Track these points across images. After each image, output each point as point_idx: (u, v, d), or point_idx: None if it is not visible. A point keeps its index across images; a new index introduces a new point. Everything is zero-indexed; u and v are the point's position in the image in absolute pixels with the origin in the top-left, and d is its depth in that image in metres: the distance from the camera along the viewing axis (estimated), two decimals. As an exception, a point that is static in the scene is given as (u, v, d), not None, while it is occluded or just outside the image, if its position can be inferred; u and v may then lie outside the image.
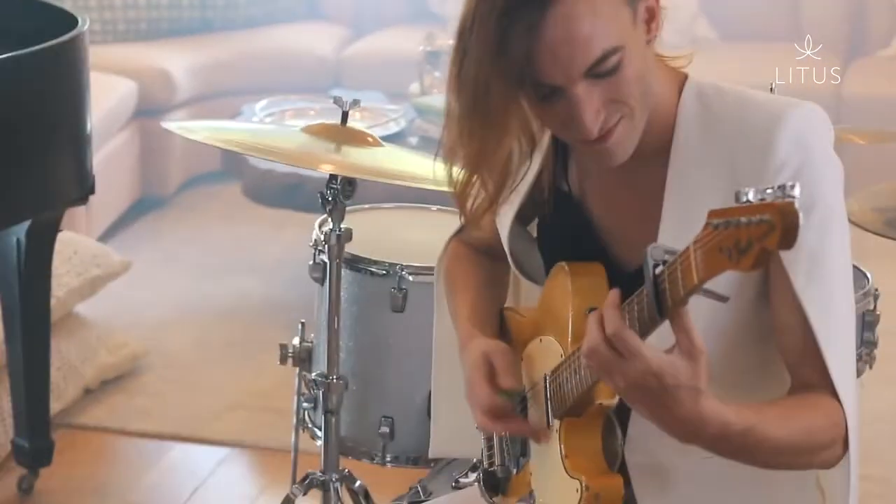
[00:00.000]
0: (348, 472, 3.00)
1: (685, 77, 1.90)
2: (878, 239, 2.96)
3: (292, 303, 4.60)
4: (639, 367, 1.61)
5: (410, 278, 2.89)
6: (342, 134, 2.85)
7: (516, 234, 2.06)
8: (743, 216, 1.44)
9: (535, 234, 2.09)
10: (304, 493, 3.00)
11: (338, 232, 2.85)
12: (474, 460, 2.52)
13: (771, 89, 2.63)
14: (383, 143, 2.91)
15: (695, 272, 1.51)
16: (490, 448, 2.13)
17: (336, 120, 2.87)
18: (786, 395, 1.84)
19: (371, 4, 6.83)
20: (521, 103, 1.80)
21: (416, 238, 3.13)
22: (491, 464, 2.12)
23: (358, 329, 2.99)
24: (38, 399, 3.63)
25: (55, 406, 3.93)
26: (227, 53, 6.24)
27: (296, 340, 3.04)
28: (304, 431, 3.09)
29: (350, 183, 2.80)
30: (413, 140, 4.86)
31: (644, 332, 1.63)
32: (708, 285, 1.53)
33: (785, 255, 1.76)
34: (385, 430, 2.97)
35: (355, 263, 2.96)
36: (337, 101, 2.85)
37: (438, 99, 4.64)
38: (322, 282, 2.94)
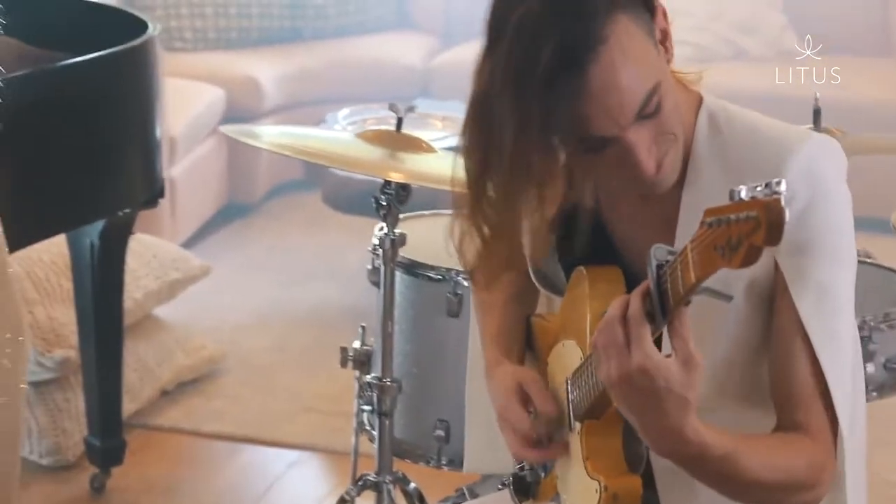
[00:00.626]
0: (402, 474, 3.03)
1: (700, 97, 1.91)
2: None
3: (369, 309, 4.63)
4: (636, 358, 1.61)
5: (466, 283, 2.91)
6: (397, 140, 2.88)
7: (543, 247, 2.07)
8: (733, 214, 1.45)
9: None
10: (359, 495, 3.04)
11: (392, 237, 2.88)
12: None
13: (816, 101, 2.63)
14: (438, 150, 2.94)
15: (692, 270, 1.53)
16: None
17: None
18: (770, 433, 1.84)
19: (461, 14, 6.85)
20: (558, 163, 1.81)
21: (473, 243, 3.15)
22: (521, 468, 2.14)
23: (414, 333, 3.03)
24: (111, 399, 3.70)
25: (130, 407, 4.01)
26: (315, 62, 6.30)
27: (356, 344, 3.08)
28: (363, 434, 3.13)
29: (404, 188, 2.84)
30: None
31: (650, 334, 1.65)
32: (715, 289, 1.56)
33: (793, 284, 1.79)
34: (440, 433, 3.00)
35: (412, 268, 3.01)
36: (392, 107, 2.88)
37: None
38: (379, 286, 2.98)
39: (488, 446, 2.23)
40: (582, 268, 1.94)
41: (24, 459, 3.82)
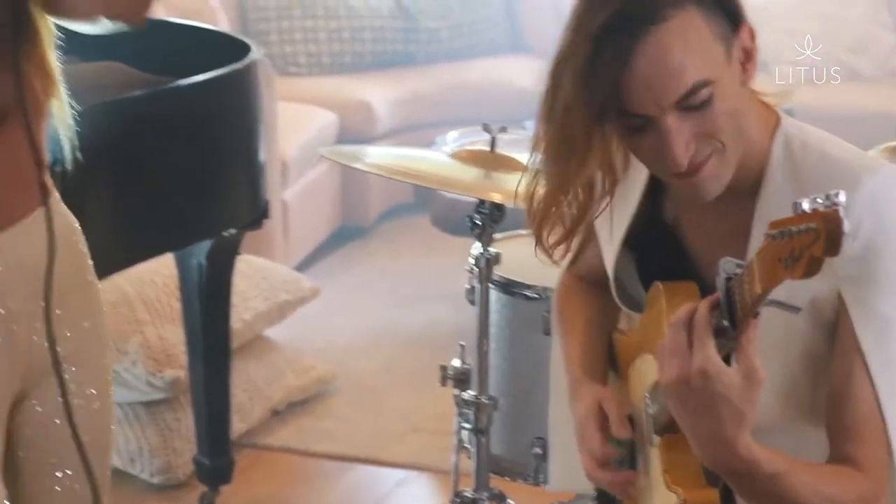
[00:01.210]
0: (499, 491, 3.05)
1: (778, 118, 1.91)
2: None
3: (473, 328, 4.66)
4: (697, 361, 1.63)
5: (562, 302, 2.92)
6: (492, 160, 2.91)
7: (623, 261, 2.08)
8: (795, 226, 1.46)
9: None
10: (455, 511, 3.06)
11: (487, 256, 2.91)
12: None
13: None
14: (532, 169, 2.95)
15: (758, 282, 1.54)
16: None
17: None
18: (824, 462, 1.83)
19: (574, 37, 6.87)
20: (603, 134, 1.83)
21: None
22: (603, 487, 2.15)
23: (511, 351, 3.05)
24: (219, 418, 3.75)
25: (240, 426, 4.07)
26: (428, 86, 6.35)
27: (456, 362, 3.11)
28: (463, 452, 3.15)
29: (498, 208, 2.86)
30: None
31: (719, 348, 1.65)
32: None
33: (855, 314, 1.78)
34: (538, 450, 3.02)
35: (508, 287, 3.03)
36: (486, 128, 2.91)
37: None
38: (475, 304, 3.00)
39: (572, 465, 2.24)
40: (659, 283, 1.95)
41: (135, 478, 3.91)
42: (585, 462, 2.05)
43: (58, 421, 2.20)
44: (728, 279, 1.62)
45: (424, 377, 4.57)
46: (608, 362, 2.17)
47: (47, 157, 2.20)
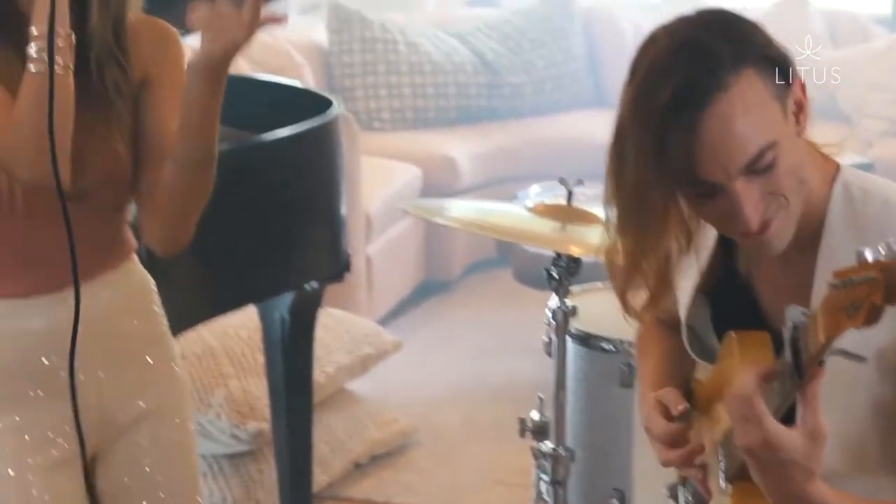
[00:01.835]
0: (577, 542, 3.06)
1: (836, 167, 1.92)
2: None
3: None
4: (757, 434, 1.66)
5: (640, 355, 2.94)
6: (569, 214, 2.93)
7: (698, 309, 2.09)
8: (856, 275, 1.48)
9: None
10: (534, 563, 3.07)
11: (563, 309, 2.93)
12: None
13: None
14: (608, 222, 2.98)
15: (821, 331, 1.56)
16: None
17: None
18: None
19: (657, 92, 6.88)
20: (678, 203, 1.85)
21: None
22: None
23: (588, 403, 3.06)
24: (301, 470, 3.77)
25: (322, 479, 4.10)
26: (511, 140, 6.39)
27: (534, 414, 3.12)
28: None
29: (574, 261, 2.89)
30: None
31: (785, 396, 1.67)
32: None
33: None
34: (615, 502, 3.03)
35: (586, 340, 3.04)
36: (562, 181, 2.94)
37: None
38: (552, 357, 3.02)
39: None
40: (732, 333, 1.96)
41: (218, 529, 3.95)
42: (657, 449, 2.07)
43: (136, 479, 2.26)
44: (794, 328, 1.64)
45: (504, 430, 4.57)
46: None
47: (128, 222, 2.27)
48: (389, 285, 5.61)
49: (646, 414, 2.11)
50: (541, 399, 3.14)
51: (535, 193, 5.20)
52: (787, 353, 1.65)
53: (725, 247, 2.03)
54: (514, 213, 3.09)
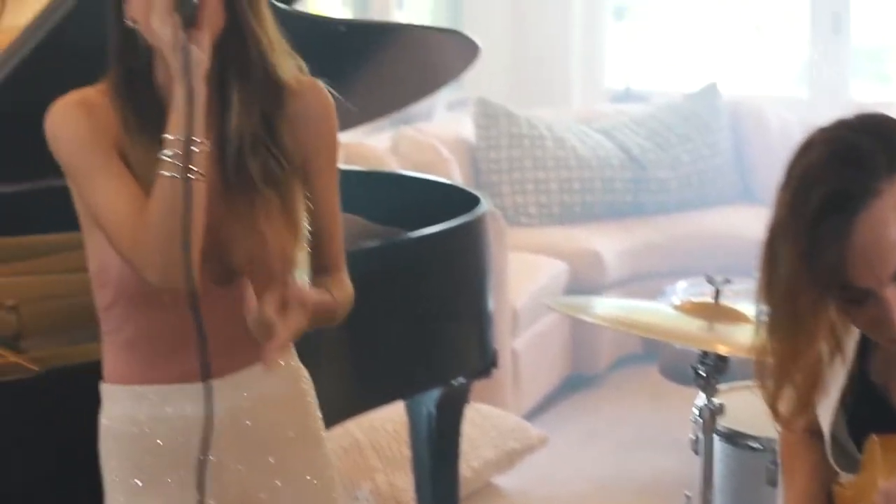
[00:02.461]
0: None
1: None
2: None
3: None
4: None
5: (787, 453, 2.92)
6: (716, 312, 2.94)
7: (840, 421, 2.08)
8: None
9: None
10: None
11: (710, 407, 2.92)
12: None
13: None
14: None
15: None
16: None
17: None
18: None
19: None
20: (826, 308, 1.86)
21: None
22: None
23: (735, 502, 3.05)
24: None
25: (468, 572, 4.11)
26: (657, 236, 6.38)
27: (682, 513, 3.12)
28: None
29: (722, 359, 2.88)
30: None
31: None
32: None
33: None
34: None
35: (733, 438, 3.03)
36: (710, 279, 2.94)
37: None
38: (699, 455, 3.01)
39: None
40: (874, 436, 1.95)
41: None
42: None
43: None
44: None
45: (651, 527, 4.56)
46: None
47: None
48: (536, 379, 5.62)
49: None
50: (688, 497, 3.13)
51: (682, 289, 5.19)
52: None
53: (862, 355, 2.03)
54: (660, 311, 3.10)
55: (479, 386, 3.77)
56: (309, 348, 2.40)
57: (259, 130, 2.17)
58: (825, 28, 7.09)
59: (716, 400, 2.94)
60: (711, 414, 2.93)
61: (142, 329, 2.20)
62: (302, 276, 2.25)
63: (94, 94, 2.15)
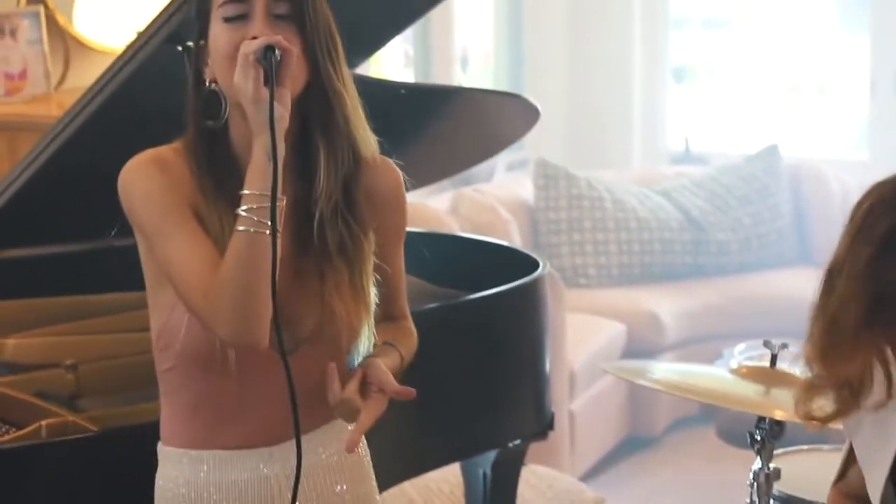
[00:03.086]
0: None
1: None
2: None
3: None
4: None
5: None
6: (771, 376, 2.93)
7: (889, 492, 2.07)
8: None
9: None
10: None
11: (766, 471, 2.91)
12: None
13: None
14: (813, 386, 2.96)
15: None
16: None
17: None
18: None
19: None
20: (872, 336, 1.86)
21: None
22: None
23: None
24: None
25: None
26: (717, 298, 6.37)
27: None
28: None
29: (778, 424, 2.87)
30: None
31: None
32: None
33: None
34: None
35: (788, 503, 3.01)
36: (767, 344, 2.94)
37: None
38: (758, 521, 3.00)
39: None
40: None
41: None
42: None
43: None
44: None
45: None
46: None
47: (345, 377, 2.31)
48: (592, 441, 5.61)
49: None
50: (744, 561, 3.11)
51: (740, 352, 5.17)
52: None
53: None
54: (716, 375, 3.09)
55: (535, 447, 3.77)
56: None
57: (340, 199, 2.18)
58: (886, 90, 7.07)
59: (772, 464, 2.92)
60: (767, 478, 2.91)
61: (201, 394, 2.21)
62: (367, 346, 2.26)
63: (167, 153, 2.18)
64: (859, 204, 1.89)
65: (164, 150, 2.19)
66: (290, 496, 2.16)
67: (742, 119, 7.85)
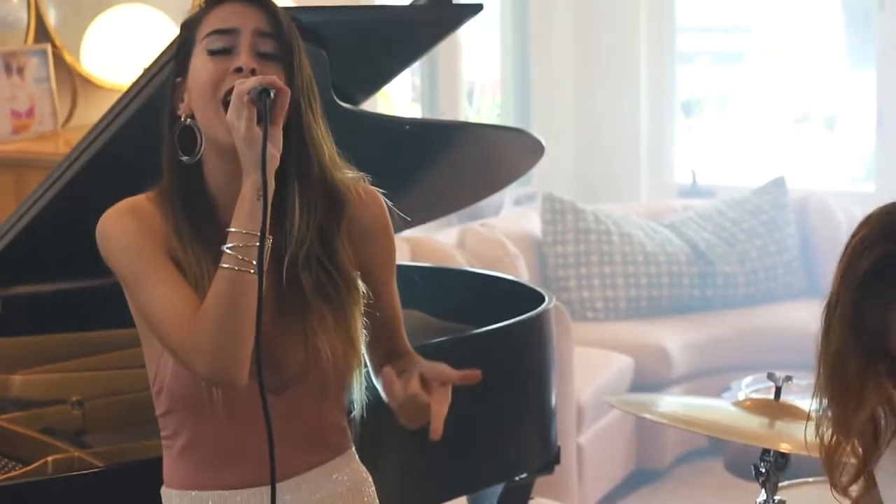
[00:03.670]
0: None
1: None
2: None
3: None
4: None
5: (850, 552, 2.90)
6: (776, 409, 2.93)
7: None
8: None
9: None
10: None
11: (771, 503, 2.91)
12: None
13: None
14: (817, 419, 2.96)
15: None
16: None
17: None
18: None
19: None
20: (877, 376, 1.87)
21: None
22: None
23: None
24: None
25: None
26: (724, 331, 6.37)
27: None
28: None
29: (783, 456, 2.88)
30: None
31: None
32: None
33: None
34: None
35: (794, 537, 3.01)
36: (770, 376, 2.95)
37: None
38: (762, 553, 2.99)
39: None
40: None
41: None
42: None
43: None
44: None
45: None
46: None
47: (341, 417, 2.31)
48: (600, 474, 5.60)
49: None
50: None
51: (748, 385, 5.18)
52: None
53: None
54: (721, 408, 3.10)
55: (543, 480, 3.77)
56: (371, 444, 2.42)
57: (315, 244, 2.18)
58: (892, 123, 7.08)
59: (777, 497, 2.92)
60: (773, 511, 2.92)
61: (198, 436, 2.21)
62: (361, 385, 2.27)
63: (142, 202, 2.20)
64: (849, 239, 1.91)
65: (139, 199, 2.20)
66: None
67: (749, 152, 7.87)
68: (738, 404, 2.99)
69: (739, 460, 4.98)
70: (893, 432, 1.99)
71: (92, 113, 4.37)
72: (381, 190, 2.32)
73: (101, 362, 3.18)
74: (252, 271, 2.05)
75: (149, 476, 2.33)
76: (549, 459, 3.65)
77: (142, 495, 2.35)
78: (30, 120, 4.55)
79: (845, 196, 7.10)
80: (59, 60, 4.71)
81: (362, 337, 2.24)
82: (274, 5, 2.20)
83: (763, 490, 2.93)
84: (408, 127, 3.59)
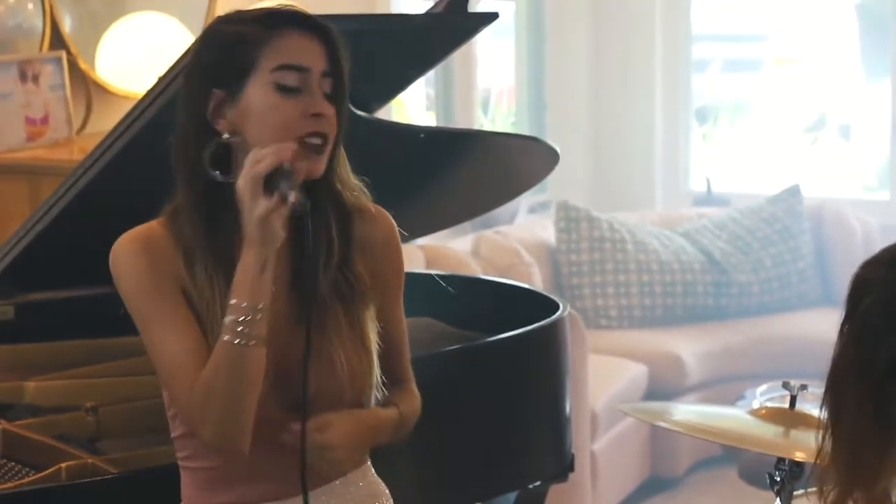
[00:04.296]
0: None
1: None
2: None
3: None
4: None
5: (864, 562, 2.89)
6: (791, 417, 2.92)
7: None
8: None
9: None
10: None
11: (786, 513, 2.90)
12: None
13: None
14: (833, 427, 2.95)
15: None
16: None
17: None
18: None
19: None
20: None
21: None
22: None
23: None
24: None
25: None
26: (738, 339, 6.36)
27: None
28: None
29: (798, 465, 2.86)
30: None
31: None
32: None
33: None
34: None
35: (809, 546, 3.00)
36: (786, 385, 2.94)
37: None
38: (777, 563, 2.98)
39: None
40: None
41: None
42: None
43: None
44: None
45: None
46: None
47: None
48: (614, 482, 5.60)
49: None
50: None
51: (762, 393, 5.15)
52: None
53: None
54: (736, 417, 3.09)
55: (557, 488, 3.76)
56: (386, 452, 2.42)
57: (331, 249, 2.18)
58: (908, 131, 7.08)
59: (793, 506, 2.92)
60: (788, 521, 2.91)
61: (215, 460, 2.19)
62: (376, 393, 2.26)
63: (156, 228, 2.16)
64: (853, 303, 1.82)
65: (151, 227, 2.17)
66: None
67: (764, 160, 7.86)
68: (753, 413, 2.98)
69: (754, 469, 4.96)
70: None
71: (106, 120, 4.37)
72: (395, 198, 2.32)
73: (115, 369, 3.18)
74: (252, 343, 2.02)
75: (162, 482, 2.33)
76: (563, 467, 3.65)
77: (155, 502, 2.35)
78: (44, 127, 4.56)
79: (860, 204, 7.09)
80: (74, 68, 4.71)
81: (375, 346, 2.23)
82: (337, 41, 2.16)
83: (778, 499, 2.92)
84: (423, 135, 3.59)
